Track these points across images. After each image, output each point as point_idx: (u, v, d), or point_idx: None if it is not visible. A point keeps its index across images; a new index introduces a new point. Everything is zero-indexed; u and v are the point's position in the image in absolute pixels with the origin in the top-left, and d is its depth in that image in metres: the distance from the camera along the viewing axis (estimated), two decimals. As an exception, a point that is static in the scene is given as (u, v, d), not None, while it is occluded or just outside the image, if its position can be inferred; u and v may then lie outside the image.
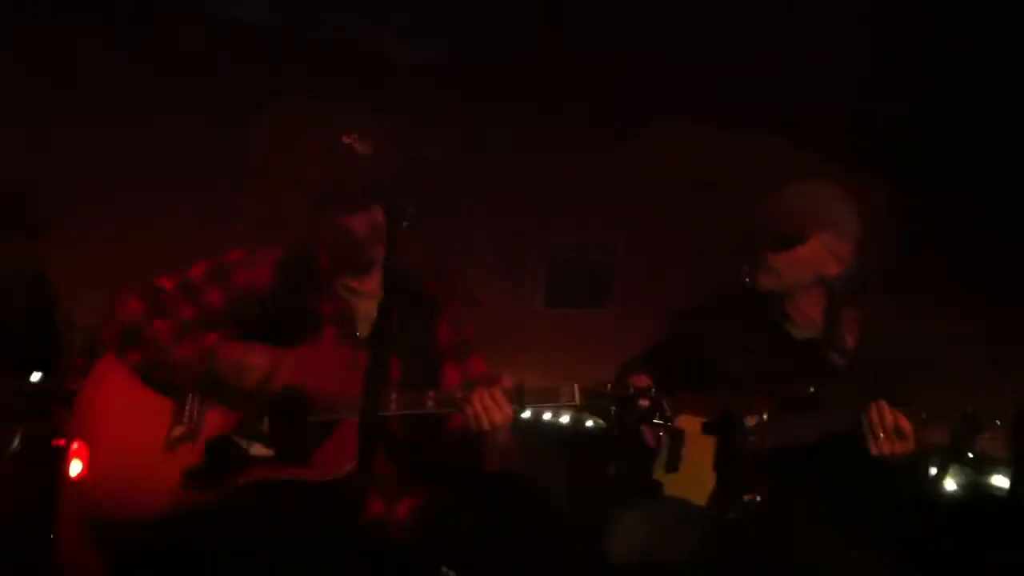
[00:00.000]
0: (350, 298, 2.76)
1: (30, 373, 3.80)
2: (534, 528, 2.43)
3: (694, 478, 2.78)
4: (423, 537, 2.50)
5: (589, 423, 4.28)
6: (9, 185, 4.14)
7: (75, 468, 2.51)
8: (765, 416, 2.73)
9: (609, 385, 2.48)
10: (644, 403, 2.43)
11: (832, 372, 2.75)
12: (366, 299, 2.76)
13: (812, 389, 2.69)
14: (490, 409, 2.46)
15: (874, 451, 2.48)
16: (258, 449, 2.44)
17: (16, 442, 3.59)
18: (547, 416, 4.47)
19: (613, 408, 2.44)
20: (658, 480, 2.82)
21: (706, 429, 2.55)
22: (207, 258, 2.78)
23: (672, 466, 2.83)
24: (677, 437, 2.85)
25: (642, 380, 2.81)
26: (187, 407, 2.56)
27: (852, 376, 2.71)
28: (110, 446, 2.54)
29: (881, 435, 2.47)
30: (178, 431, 2.53)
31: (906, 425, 2.46)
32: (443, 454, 2.63)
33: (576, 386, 2.49)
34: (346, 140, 2.61)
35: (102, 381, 2.64)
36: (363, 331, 2.72)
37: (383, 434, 2.57)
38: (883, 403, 2.50)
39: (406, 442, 2.64)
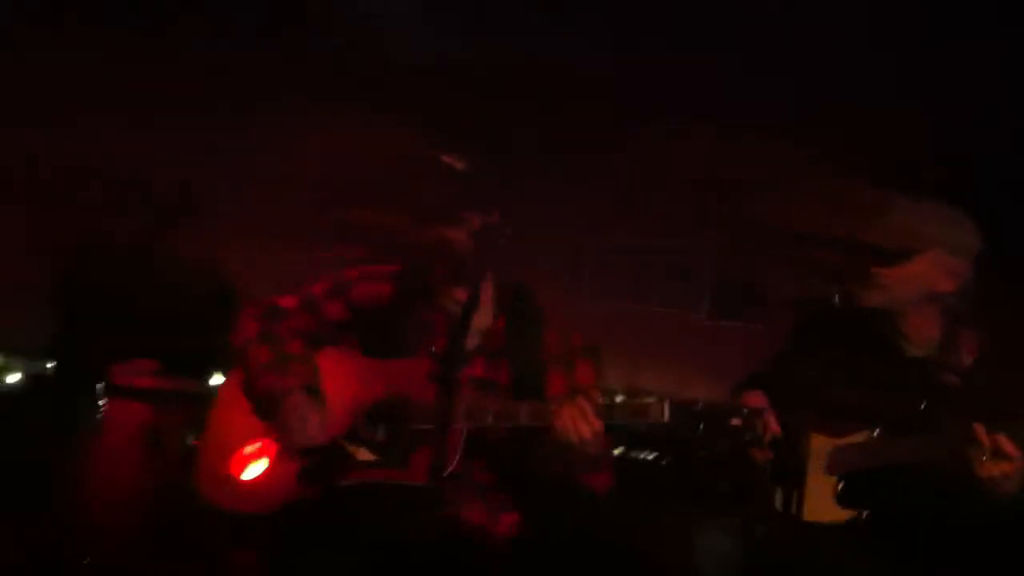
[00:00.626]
0: (457, 310, 2.81)
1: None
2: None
3: (813, 495, 2.77)
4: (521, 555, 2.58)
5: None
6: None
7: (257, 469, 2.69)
8: (875, 434, 2.73)
9: (701, 403, 2.48)
10: (736, 422, 2.43)
11: (946, 392, 2.70)
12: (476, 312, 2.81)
13: (923, 407, 2.66)
14: (578, 422, 2.50)
15: (978, 472, 2.43)
16: (363, 453, 2.57)
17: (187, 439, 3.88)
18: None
19: (701, 425, 2.45)
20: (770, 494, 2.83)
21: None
22: (327, 276, 2.91)
23: (784, 478, 2.84)
24: (796, 453, 2.85)
25: (755, 399, 2.87)
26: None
27: (967, 397, 2.66)
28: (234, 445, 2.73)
29: (983, 457, 2.42)
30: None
31: (1008, 447, 2.40)
32: (539, 465, 2.67)
33: (666, 403, 2.49)
34: (445, 159, 2.73)
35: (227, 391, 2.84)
36: (472, 343, 2.79)
37: (482, 444, 2.64)
38: (981, 427, 2.44)
39: (505, 452, 2.70)
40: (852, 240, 2.74)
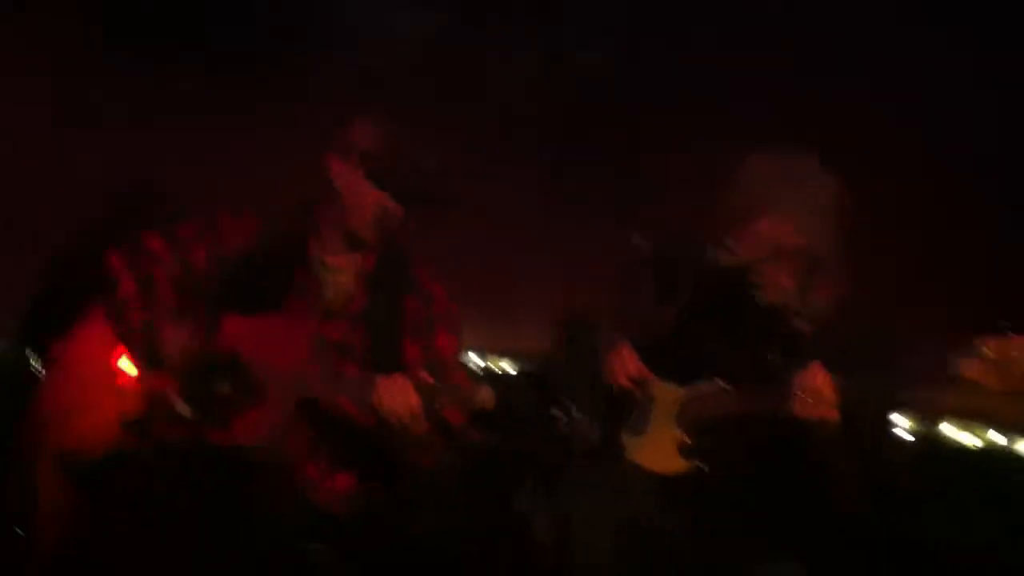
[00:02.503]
0: (324, 273, 2.81)
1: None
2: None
3: (658, 445, 2.80)
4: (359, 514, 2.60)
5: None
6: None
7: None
8: (724, 385, 2.73)
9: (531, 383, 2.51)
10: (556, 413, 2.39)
11: (797, 341, 2.70)
12: (340, 274, 2.81)
13: (769, 357, 2.66)
14: (395, 399, 2.48)
15: (796, 412, 2.43)
16: (187, 409, 2.55)
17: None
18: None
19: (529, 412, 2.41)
20: (622, 445, 2.84)
21: None
22: (198, 217, 2.86)
23: (638, 431, 2.85)
24: (647, 403, 2.86)
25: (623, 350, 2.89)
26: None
27: (816, 346, 2.65)
28: (79, 384, 2.71)
29: (803, 395, 2.42)
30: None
31: (829, 390, 2.40)
32: (364, 439, 2.65)
33: (489, 389, 2.48)
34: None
35: (90, 325, 2.80)
36: (330, 305, 2.78)
37: (313, 410, 2.63)
38: (818, 364, 2.44)
39: (334, 421, 2.67)
40: (707, 204, 2.74)
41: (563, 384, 2.72)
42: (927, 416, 3.92)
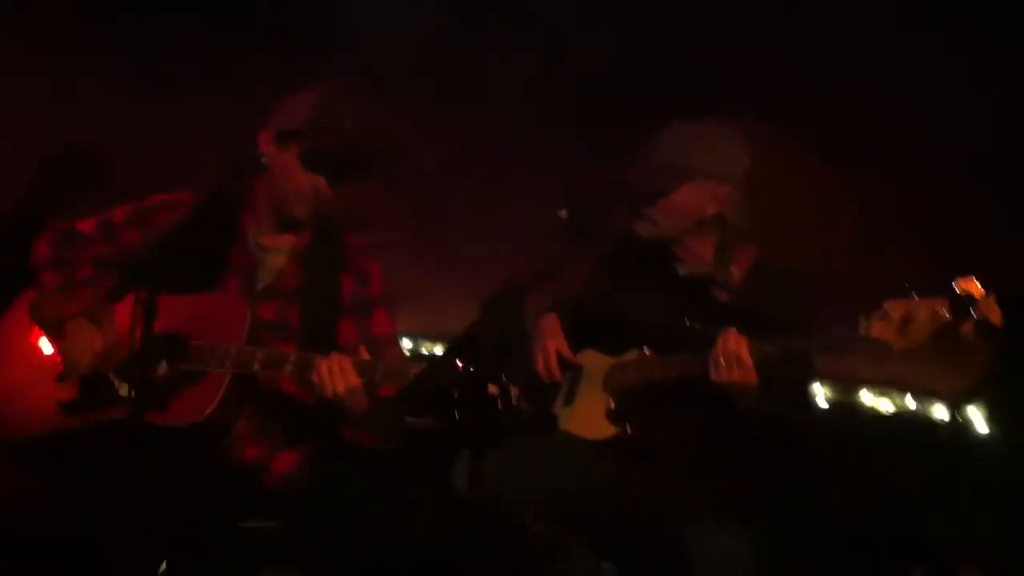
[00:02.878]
0: (259, 253, 2.84)
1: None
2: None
3: (588, 412, 2.89)
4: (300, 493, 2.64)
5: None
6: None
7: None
8: (647, 351, 2.83)
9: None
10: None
11: (715, 308, 2.81)
12: (275, 254, 2.84)
13: (688, 324, 2.77)
14: (335, 377, 2.50)
15: (713, 377, 2.55)
16: (126, 390, 2.58)
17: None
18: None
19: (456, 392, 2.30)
20: (554, 414, 2.93)
21: None
22: (131, 201, 2.89)
23: (568, 400, 2.95)
24: (577, 373, 2.96)
25: (549, 322, 2.98)
26: None
27: (733, 311, 2.77)
28: (10, 369, 2.77)
29: (721, 361, 2.54)
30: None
31: (746, 355, 2.52)
32: (304, 417, 2.71)
33: (424, 367, 2.46)
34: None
35: (17, 311, 2.84)
36: (263, 284, 2.81)
37: (252, 389, 2.67)
38: (733, 330, 2.56)
39: (273, 399, 2.72)
40: (626, 180, 2.82)
41: (492, 360, 2.79)
42: (844, 385, 4.10)
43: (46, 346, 2.77)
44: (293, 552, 2.62)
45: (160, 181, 3.06)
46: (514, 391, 2.37)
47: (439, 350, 4.53)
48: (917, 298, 2.38)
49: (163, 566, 2.50)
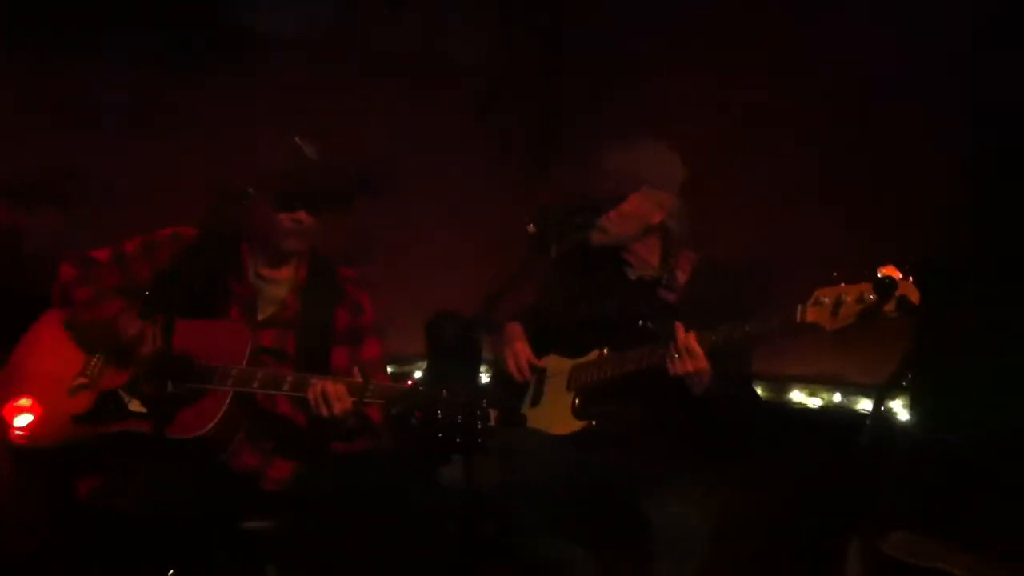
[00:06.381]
0: (259, 283, 3.06)
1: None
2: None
3: (555, 411, 3.12)
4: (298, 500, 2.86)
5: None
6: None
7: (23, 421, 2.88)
8: (605, 351, 3.08)
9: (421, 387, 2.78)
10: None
11: (664, 308, 3.06)
12: (274, 285, 3.07)
13: (640, 323, 3.03)
14: (328, 399, 2.75)
15: (671, 370, 2.81)
16: (136, 405, 2.79)
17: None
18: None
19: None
20: (524, 413, 3.15)
21: None
22: (141, 234, 3.09)
23: (535, 401, 3.18)
24: (541, 376, 3.20)
25: (513, 329, 3.22)
26: (92, 361, 2.94)
27: (679, 310, 3.02)
28: (35, 384, 2.92)
29: (676, 355, 2.80)
30: (78, 381, 2.90)
31: (695, 346, 2.78)
32: (304, 432, 2.94)
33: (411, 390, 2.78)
34: (296, 141, 2.90)
35: (41, 330, 3.03)
36: (264, 313, 3.04)
37: (251, 407, 2.90)
38: (679, 325, 2.82)
39: (271, 415, 2.95)
40: (580, 194, 3.06)
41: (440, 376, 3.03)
42: (775, 383, 4.39)
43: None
44: (292, 551, 2.82)
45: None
46: (493, 414, 2.61)
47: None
48: (844, 284, 2.68)
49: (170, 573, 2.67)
